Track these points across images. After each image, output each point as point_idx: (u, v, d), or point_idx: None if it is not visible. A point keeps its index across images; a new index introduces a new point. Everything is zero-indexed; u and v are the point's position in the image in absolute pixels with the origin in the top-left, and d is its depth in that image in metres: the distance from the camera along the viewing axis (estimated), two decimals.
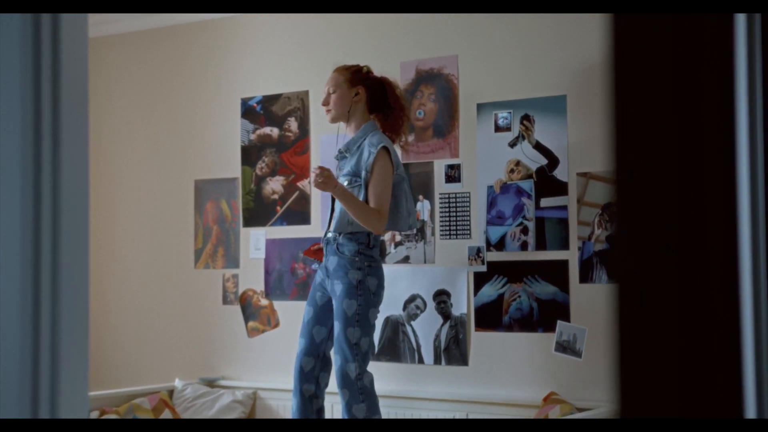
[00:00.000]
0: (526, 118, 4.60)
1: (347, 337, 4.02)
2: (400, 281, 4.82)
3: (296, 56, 5.28)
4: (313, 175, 4.03)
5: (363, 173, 4.10)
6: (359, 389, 4.01)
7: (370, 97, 4.25)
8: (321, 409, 4.26)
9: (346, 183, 4.12)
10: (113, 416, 4.81)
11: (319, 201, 5.14)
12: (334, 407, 4.83)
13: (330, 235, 4.16)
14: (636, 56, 0.93)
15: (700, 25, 0.98)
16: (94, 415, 4.81)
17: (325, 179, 3.96)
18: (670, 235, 0.99)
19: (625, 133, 0.96)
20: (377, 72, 4.75)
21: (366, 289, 4.06)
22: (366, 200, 4.07)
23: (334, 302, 4.11)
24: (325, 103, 4.26)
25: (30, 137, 1.05)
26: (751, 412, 1.04)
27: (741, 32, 1.00)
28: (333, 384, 4.41)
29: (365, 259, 4.08)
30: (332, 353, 4.12)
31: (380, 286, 4.11)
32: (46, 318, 1.08)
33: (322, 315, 4.20)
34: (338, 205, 4.11)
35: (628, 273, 0.95)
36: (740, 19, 1.00)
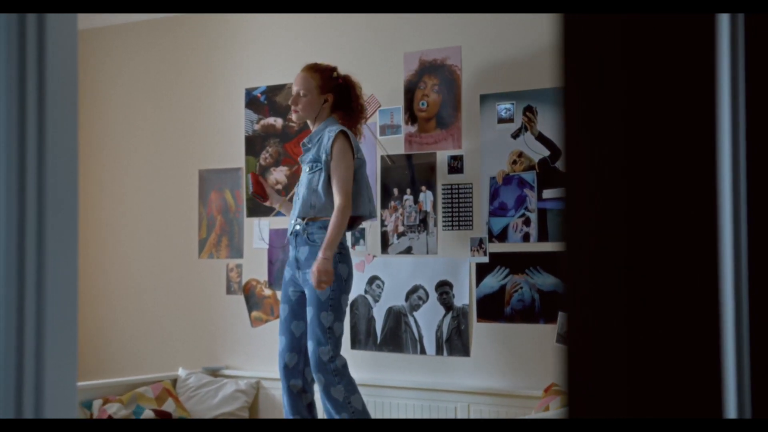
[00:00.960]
0: (528, 109, 4.59)
1: (321, 321, 4.13)
2: (403, 272, 4.83)
3: (300, 46, 5.27)
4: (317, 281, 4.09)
5: (323, 156, 4.23)
6: (333, 371, 4.11)
7: (336, 101, 4.40)
8: (312, 405, 4.34)
9: (308, 170, 4.28)
10: (116, 405, 4.83)
11: None
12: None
13: (298, 226, 4.26)
14: (607, 56, 0.93)
15: (682, 25, 0.98)
16: (98, 404, 4.84)
17: (327, 275, 4.07)
18: (617, 240, 0.99)
19: (594, 139, 0.97)
20: (381, 62, 4.77)
21: (338, 277, 4.16)
22: (328, 182, 4.21)
23: (306, 290, 4.20)
24: (294, 103, 4.38)
25: (15, 131, 1.06)
26: (731, 411, 1.04)
27: (724, 33, 1.00)
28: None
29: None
30: (307, 340, 4.20)
31: (350, 274, 4.25)
32: (31, 312, 1.08)
33: (298, 309, 4.31)
34: (301, 192, 4.26)
35: (577, 273, 0.96)
36: (723, 20, 1.00)
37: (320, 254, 4.09)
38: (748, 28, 0.99)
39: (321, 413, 4.43)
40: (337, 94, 4.40)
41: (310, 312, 4.17)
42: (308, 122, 4.45)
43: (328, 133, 4.27)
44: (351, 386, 4.14)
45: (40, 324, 1.08)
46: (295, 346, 4.30)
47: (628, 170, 0.94)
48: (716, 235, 1.00)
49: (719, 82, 0.99)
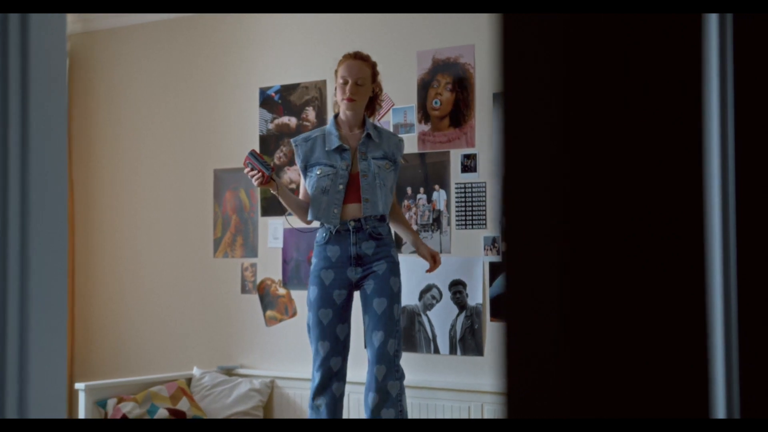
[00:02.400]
0: None
1: (394, 313, 4.06)
2: (416, 271, 4.81)
3: (314, 46, 5.28)
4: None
5: (399, 159, 4.26)
6: (396, 366, 4.03)
7: (375, 95, 4.31)
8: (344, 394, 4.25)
9: (386, 166, 4.19)
10: (131, 404, 4.85)
11: None
12: (352, 397, 4.84)
13: (353, 223, 4.11)
14: (588, 56, 0.92)
15: (669, 25, 0.97)
16: (112, 402, 4.85)
17: (438, 259, 4.27)
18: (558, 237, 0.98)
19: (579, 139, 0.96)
20: (395, 60, 4.76)
21: (399, 267, 4.18)
22: (394, 183, 4.25)
23: (371, 282, 4.08)
24: (354, 92, 4.15)
25: None
26: (720, 412, 1.03)
27: (713, 33, 0.98)
28: (350, 374, 4.41)
29: (393, 238, 4.22)
30: (372, 330, 4.05)
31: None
32: (14, 305, 1.07)
33: (342, 313, 4.13)
34: (377, 188, 4.13)
35: (515, 277, 0.95)
36: (712, 20, 0.99)
37: (422, 242, 4.29)
38: (737, 29, 0.98)
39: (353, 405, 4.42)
40: (377, 89, 4.31)
41: (381, 303, 4.04)
42: (350, 114, 4.19)
43: (395, 137, 4.30)
44: (403, 387, 4.08)
45: (24, 316, 1.08)
46: (340, 350, 4.12)
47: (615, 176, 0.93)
48: (702, 235, 0.99)
49: (707, 83, 0.98)
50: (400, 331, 4.08)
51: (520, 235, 0.94)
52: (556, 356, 0.93)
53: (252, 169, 4.15)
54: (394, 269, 4.11)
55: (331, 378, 4.12)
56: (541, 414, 0.91)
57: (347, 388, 4.36)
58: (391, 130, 4.94)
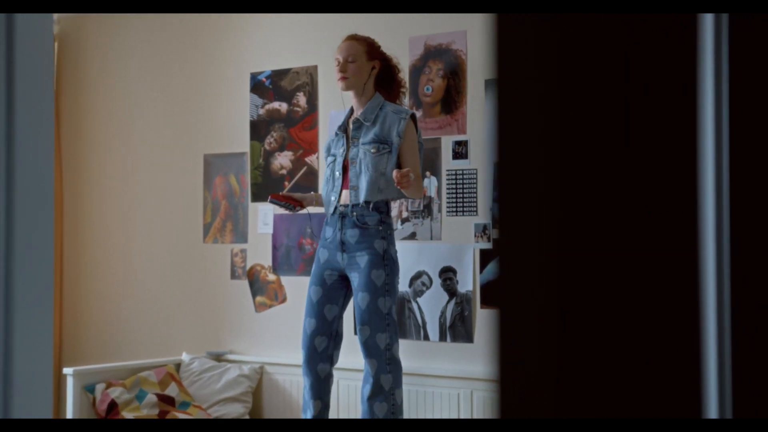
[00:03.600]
0: None
1: (379, 307, 4.02)
2: (407, 258, 4.80)
3: (305, 31, 5.25)
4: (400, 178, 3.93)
5: (395, 139, 4.11)
6: (387, 359, 4.02)
7: (382, 72, 4.27)
8: (332, 378, 4.25)
9: (373, 150, 4.13)
10: (119, 389, 4.84)
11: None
12: (341, 384, 4.83)
13: (342, 207, 4.14)
14: (587, 55, 0.91)
15: (664, 25, 0.96)
16: (101, 387, 4.84)
17: (407, 178, 3.92)
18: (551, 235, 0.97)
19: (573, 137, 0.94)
20: (386, 46, 4.73)
21: (390, 258, 4.09)
22: (398, 165, 4.12)
23: (355, 275, 4.08)
24: (344, 69, 4.20)
25: None
26: (713, 411, 1.02)
27: (708, 33, 0.97)
28: (344, 360, 4.42)
29: (387, 228, 4.12)
30: (358, 325, 4.07)
31: (396, 253, 4.17)
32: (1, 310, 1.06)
33: (332, 293, 4.18)
34: (359, 174, 4.12)
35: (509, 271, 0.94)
36: (707, 20, 0.98)
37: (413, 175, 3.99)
38: (732, 29, 0.97)
39: (346, 398, 4.42)
40: (384, 64, 4.28)
41: (364, 298, 4.03)
42: (353, 94, 4.24)
43: (396, 114, 4.14)
44: (398, 379, 4.05)
45: (8, 311, 1.07)
46: (326, 330, 4.16)
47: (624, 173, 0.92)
48: (695, 229, 0.98)
49: (702, 84, 0.97)
50: (392, 324, 4.04)
51: (513, 225, 0.93)
52: (547, 348, 0.92)
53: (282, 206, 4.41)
54: (377, 262, 4.04)
55: (314, 357, 4.15)
56: (531, 409, 0.90)
57: (339, 374, 4.38)
58: None
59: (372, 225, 4.09)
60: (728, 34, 0.96)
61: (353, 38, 4.30)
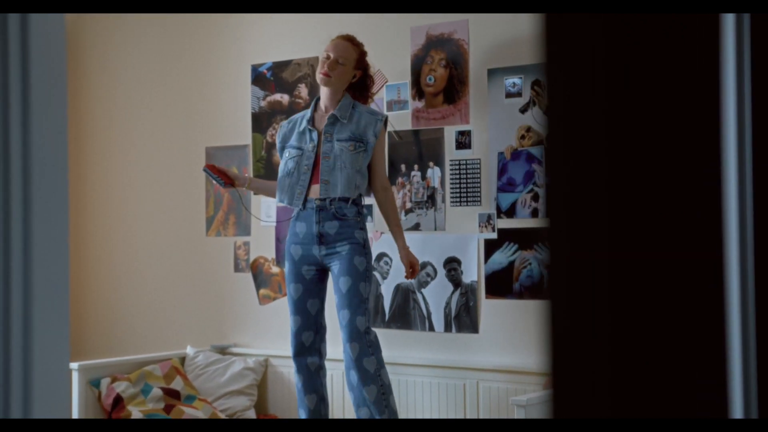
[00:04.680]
0: (537, 83, 4.54)
1: (360, 291, 4.13)
2: (411, 248, 4.78)
3: (306, 22, 5.22)
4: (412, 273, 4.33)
5: (371, 139, 4.25)
6: (368, 342, 4.10)
7: (358, 82, 4.39)
8: (324, 371, 4.33)
9: (350, 148, 4.23)
10: (125, 383, 4.83)
11: None
12: (334, 376, 4.83)
13: (318, 201, 4.21)
14: (615, 55, 0.90)
15: (687, 25, 0.94)
16: (106, 382, 4.84)
17: (417, 264, 4.36)
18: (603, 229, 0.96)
19: (610, 134, 0.93)
20: (388, 36, 4.72)
21: (368, 247, 4.25)
22: (370, 164, 4.30)
23: (336, 262, 4.18)
24: (331, 68, 4.27)
25: None
26: (738, 411, 1.01)
27: (729, 33, 0.96)
28: (335, 352, 4.43)
29: (363, 218, 4.28)
30: (338, 309, 4.15)
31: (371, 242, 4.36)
32: (18, 305, 1.05)
33: (312, 288, 4.29)
34: (333, 169, 4.21)
35: (560, 265, 0.93)
36: (728, 20, 0.97)
37: (403, 245, 4.30)
38: (754, 28, 0.96)
39: (336, 387, 4.43)
40: (363, 75, 4.40)
41: (345, 282, 4.13)
42: (325, 93, 4.34)
43: (371, 116, 4.28)
44: (381, 360, 4.14)
45: (27, 316, 1.05)
46: (311, 324, 4.28)
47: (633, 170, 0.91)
48: (720, 231, 0.97)
49: (724, 82, 0.96)
50: (368, 310, 4.15)
51: (564, 227, 0.92)
52: (599, 348, 0.91)
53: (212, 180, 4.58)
54: (358, 250, 4.17)
55: (303, 352, 4.28)
56: (583, 407, 0.89)
57: (331, 365, 4.45)
58: (385, 107, 4.90)
59: (351, 216, 4.21)
60: (750, 33, 0.95)
61: (350, 41, 4.37)
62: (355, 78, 4.35)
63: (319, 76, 4.31)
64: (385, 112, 4.88)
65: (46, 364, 1.07)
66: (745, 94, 0.89)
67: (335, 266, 4.18)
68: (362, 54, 4.37)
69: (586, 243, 0.91)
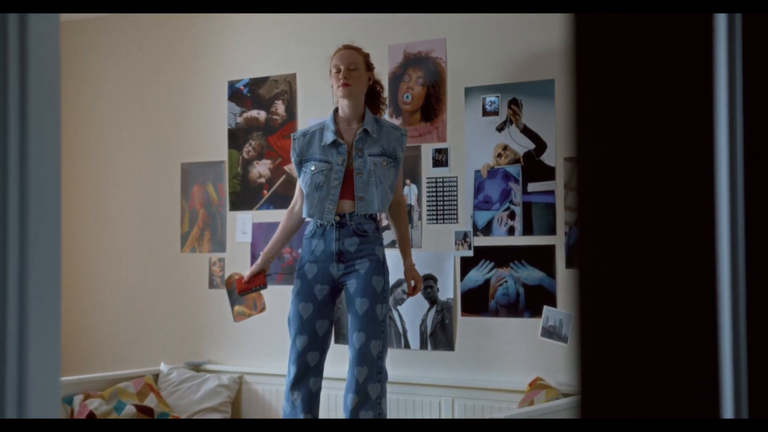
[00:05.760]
0: (514, 102, 4.57)
1: (377, 314, 3.99)
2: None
3: (284, 39, 5.24)
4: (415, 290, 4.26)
5: (400, 155, 4.18)
6: (378, 368, 3.98)
7: (373, 86, 4.26)
8: (320, 390, 4.20)
9: (384, 164, 4.11)
10: (97, 400, 4.79)
11: None
12: (330, 396, 4.81)
13: (338, 217, 4.07)
14: (614, 55, 0.91)
15: (680, 24, 0.96)
16: (79, 399, 4.79)
17: (422, 281, 4.32)
18: (631, 227, 0.97)
19: (597, 135, 0.94)
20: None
21: (386, 265, 4.13)
22: (395, 180, 4.20)
23: (353, 281, 4.03)
24: (348, 76, 4.11)
25: None
26: (728, 411, 1.02)
27: (722, 32, 0.98)
28: (328, 371, 4.36)
29: (381, 235, 4.17)
30: (353, 331, 4.00)
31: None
32: (13, 311, 1.05)
33: (323, 308, 4.10)
34: (372, 186, 4.07)
35: (589, 264, 0.93)
36: (721, 20, 0.99)
37: (409, 261, 4.23)
38: (746, 28, 0.98)
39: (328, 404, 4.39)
40: (374, 81, 4.27)
41: (363, 303, 3.98)
42: (349, 104, 4.15)
43: (397, 131, 4.20)
44: (385, 389, 4.03)
45: (22, 323, 1.05)
46: (318, 345, 4.08)
47: (637, 169, 0.92)
48: (714, 233, 0.99)
49: (716, 81, 0.97)
50: (385, 332, 4.02)
51: (593, 231, 0.93)
52: (630, 349, 0.92)
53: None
54: (378, 268, 4.04)
55: (306, 372, 4.09)
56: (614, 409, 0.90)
57: (323, 384, 4.34)
58: None
59: (371, 233, 4.09)
60: (741, 33, 0.97)
61: (352, 47, 4.25)
62: (371, 81, 4.23)
63: (339, 90, 4.12)
64: None
65: (38, 378, 1.07)
66: (737, 91, 0.91)
67: (351, 285, 4.04)
68: (367, 56, 4.27)
69: (615, 247, 0.92)
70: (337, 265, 4.07)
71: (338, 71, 4.14)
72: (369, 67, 4.25)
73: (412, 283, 4.22)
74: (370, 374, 3.96)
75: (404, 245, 4.27)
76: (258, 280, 4.33)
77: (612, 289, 0.94)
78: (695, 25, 0.90)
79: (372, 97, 4.28)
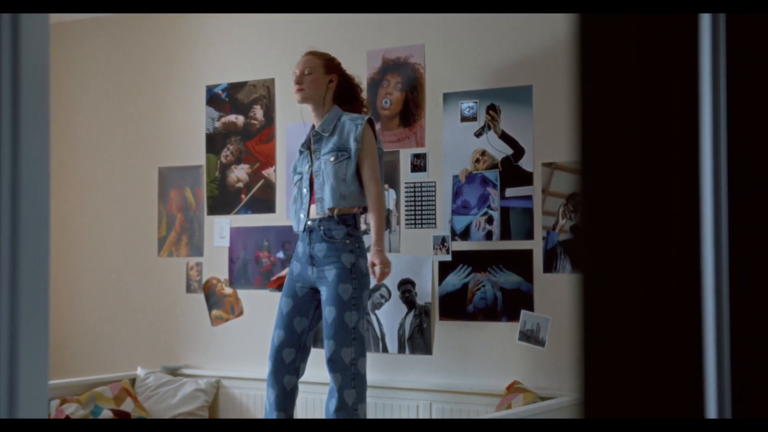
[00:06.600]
0: (492, 108, 4.60)
1: (345, 321, 4.00)
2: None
3: (262, 43, 5.24)
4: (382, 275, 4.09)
5: (353, 145, 4.12)
6: (352, 374, 4.00)
7: (340, 87, 4.30)
8: (297, 391, 4.22)
9: (332, 159, 4.13)
10: (74, 405, 4.77)
11: (283, 189, 5.12)
12: (301, 396, 4.81)
13: (310, 222, 4.14)
14: (602, 55, 0.93)
15: (665, 24, 0.98)
16: (55, 404, 4.77)
17: (388, 266, 4.09)
18: (633, 228, 0.99)
19: (590, 130, 0.96)
20: (344, 59, 4.74)
21: (359, 272, 4.07)
22: (357, 171, 4.12)
23: (323, 288, 4.07)
24: (300, 81, 4.22)
25: None
26: (712, 411, 1.04)
27: (706, 32, 1.00)
28: (308, 374, 4.38)
29: (355, 240, 4.11)
30: (324, 339, 4.06)
31: (368, 268, 4.12)
32: (5, 313, 1.06)
33: (302, 306, 4.17)
34: (323, 185, 4.12)
35: (591, 265, 0.95)
36: (705, 20, 1.01)
37: (375, 246, 4.05)
38: (729, 28, 1.00)
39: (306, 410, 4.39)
40: (341, 78, 4.30)
41: (330, 312, 4.02)
42: (312, 108, 4.27)
43: (352, 122, 4.15)
44: (362, 394, 4.04)
45: (13, 325, 1.06)
46: (294, 341, 4.15)
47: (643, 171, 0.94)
48: (698, 234, 1.00)
49: (701, 80, 0.99)
50: (358, 338, 4.02)
51: (598, 229, 0.95)
52: (632, 348, 0.93)
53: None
54: (343, 276, 4.03)
55: (281, 369, 4.14)
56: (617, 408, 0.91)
57: (302, 387, 4.35)
58: None
59: (339, 239, 4.08)
60: (725, 33, 0.99)
61: (311, 53, 4.35)
62: (332, 83, 4.26)
63: (295, 97, 4.27)
64: None
65: (27, 382, 1.08)
66: (721, 90, 0.93)
67: (322, 292, 4.08)
68: (328, 60, 4.31)
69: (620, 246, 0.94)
70: (311, 269, 4.13)
71: (295, 76, 4.27)
72: (330, 69, 4.29)
73: (376, 269, 4.06)
74: (344, 381, 3.99)
75: (372, 231, 4.11)
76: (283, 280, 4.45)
77: (615, 291, 0.96)
78: (681, 25, 0.92)
79: (347, 97, 4.31)
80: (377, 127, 4.85)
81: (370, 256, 4.09)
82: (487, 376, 4.53)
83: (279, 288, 4.43)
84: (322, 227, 4.10)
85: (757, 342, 1.01)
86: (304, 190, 4.20)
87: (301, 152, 4.32)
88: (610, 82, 0.95)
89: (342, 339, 4.00)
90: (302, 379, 4.33)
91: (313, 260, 4.12)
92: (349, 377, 3.99)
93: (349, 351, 4.00)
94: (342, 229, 4.09)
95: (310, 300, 4.18)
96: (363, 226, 4.36)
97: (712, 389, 1.02)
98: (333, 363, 4.00)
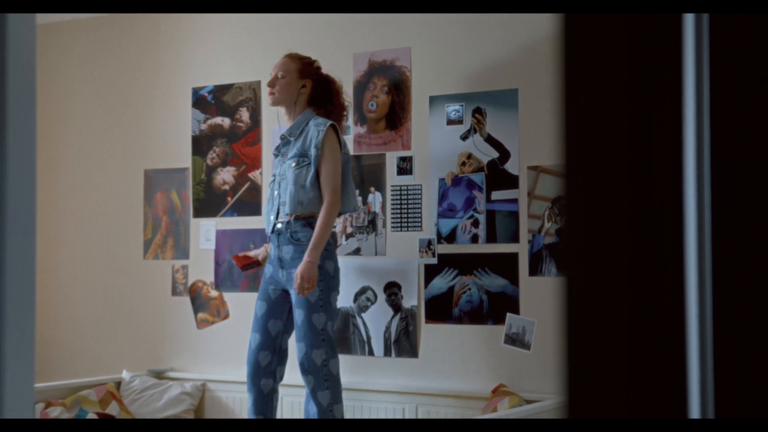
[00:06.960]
0: (478, 111, 4.61)
1: (313, 323, 4.03)
2: (351, 273, 4.81)
3: (248, 46, 5.24)
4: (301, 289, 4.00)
5: (312, 151, 4.14)
6: (324, 376, 4.03)
7: (315, 91, 4.32)
8: (277, 395, 4.25)
9: (294, 165, 4.16)
10: (59, 408, 4.75)
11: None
12: (286, 400, 4.81)
13: (279, 225, 4.17)
14: (586, 55, 0.93)
15: (650, 24, 0.99)
16: (40, 407, 4.75)
17: (310, 282, 3.97)
18: (618, 231, 0.99)
19: (574, 130, 0.97)
20: (331, 62, 4.74)
21: (325, 273, 4.09)
22: (317, 178, 4.13)
23: (293, 291, 4.10)
24: (271, 84, 4.29)
25: None
26: (695, 411, 1.04)
27: (689, 32, 1.01)
28: (288, 377, 4.40)
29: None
30: (295, 342, 4.10)
31: (336, 269, 4.17)
32: None
33: (276, 308, 4.22)
34: (286, 189, 4.17)
35: (576, 268, 0.96)
36: (689, 19, 1.01)
37: (306, 257, 3.99)
38: (713, 28, 1.00)
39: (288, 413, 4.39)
40: (316, 83, 4.30)
41: (299, 314, 4.05)
42: (284, 111, 4.34)
43: (316, 127, 4.15)
44: (337, 394, 4.06)
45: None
46: (269, 344, 4.19)
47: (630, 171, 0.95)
48: (682, 236, 1.01)
49: (685, 80, 1.00)
50: (327, 340, 4.05)
51: (583, 232, 0.95)
52: (618, 349, 0.94)
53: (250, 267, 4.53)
54: None
55: (257, 372, 4.18)
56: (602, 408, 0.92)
57: (283, 391, 4.37)
58: None
59: (305, 241, 4.10)
60: (709, 33, 1.00)
61: (288, 56, 4.38)
62: (306, 88, 4.29)
63: (267, 99, 4.35)
64: None
65: (12, 386, 1.07)
66: (704, 90, 0.93)
67: (292, 294, 4.10)
68: (305, 64, 4.33)
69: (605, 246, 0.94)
70: (281, 271, 4.18)
71: (269, 79, 4.33)
72: (304, 74, 4.30)
73: (298, 278, 3.98)
74: (317, 383, 4.03)
75: (312, 239, 4.03)
76: (252, 261, 4.53)
77: (599, 295, 0.96)
78: (665, 26, 0.93)
79: (321, 101, 4.32)
80: (363, 130, 4.86)
81: (299, 267, 4.01)
82: (472, 379, 4.54)
83: (243, 268, 4.51)
84: (288, 230, 4.15)
85: (739, 344, 1.02)
86: (275, 193, 4.25)
87: (275, 155, 4.40)
88: (595, 84, 0.95)
89: (311, 341, 4.03)
90: (285, 381, 4.34)
91: (282, 263, 4.17)
92: (321, 379, 4.03)
93: (319, 353, 4.03)
94: (308, 231, 4.11)
95: (283, 302, 4.22)
96: (333, 228, 4.29)
97: (695, 390, 1.03)
98: (305, 365, 4.05)
